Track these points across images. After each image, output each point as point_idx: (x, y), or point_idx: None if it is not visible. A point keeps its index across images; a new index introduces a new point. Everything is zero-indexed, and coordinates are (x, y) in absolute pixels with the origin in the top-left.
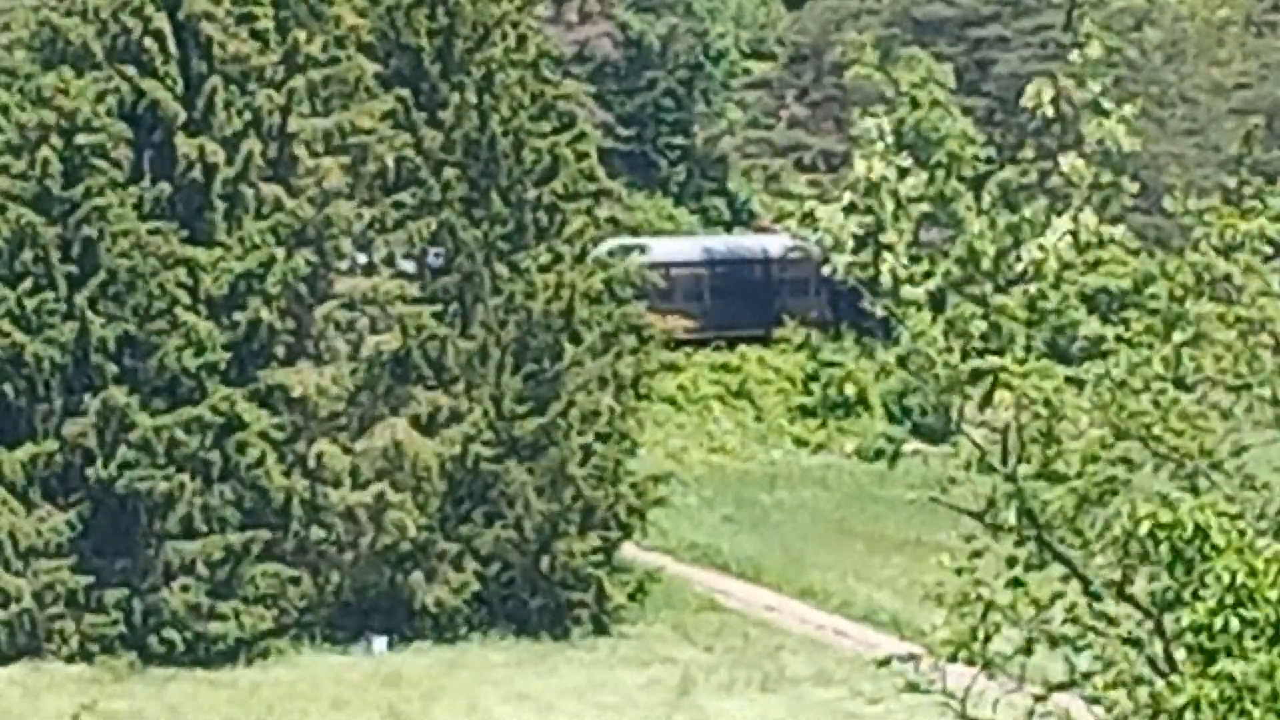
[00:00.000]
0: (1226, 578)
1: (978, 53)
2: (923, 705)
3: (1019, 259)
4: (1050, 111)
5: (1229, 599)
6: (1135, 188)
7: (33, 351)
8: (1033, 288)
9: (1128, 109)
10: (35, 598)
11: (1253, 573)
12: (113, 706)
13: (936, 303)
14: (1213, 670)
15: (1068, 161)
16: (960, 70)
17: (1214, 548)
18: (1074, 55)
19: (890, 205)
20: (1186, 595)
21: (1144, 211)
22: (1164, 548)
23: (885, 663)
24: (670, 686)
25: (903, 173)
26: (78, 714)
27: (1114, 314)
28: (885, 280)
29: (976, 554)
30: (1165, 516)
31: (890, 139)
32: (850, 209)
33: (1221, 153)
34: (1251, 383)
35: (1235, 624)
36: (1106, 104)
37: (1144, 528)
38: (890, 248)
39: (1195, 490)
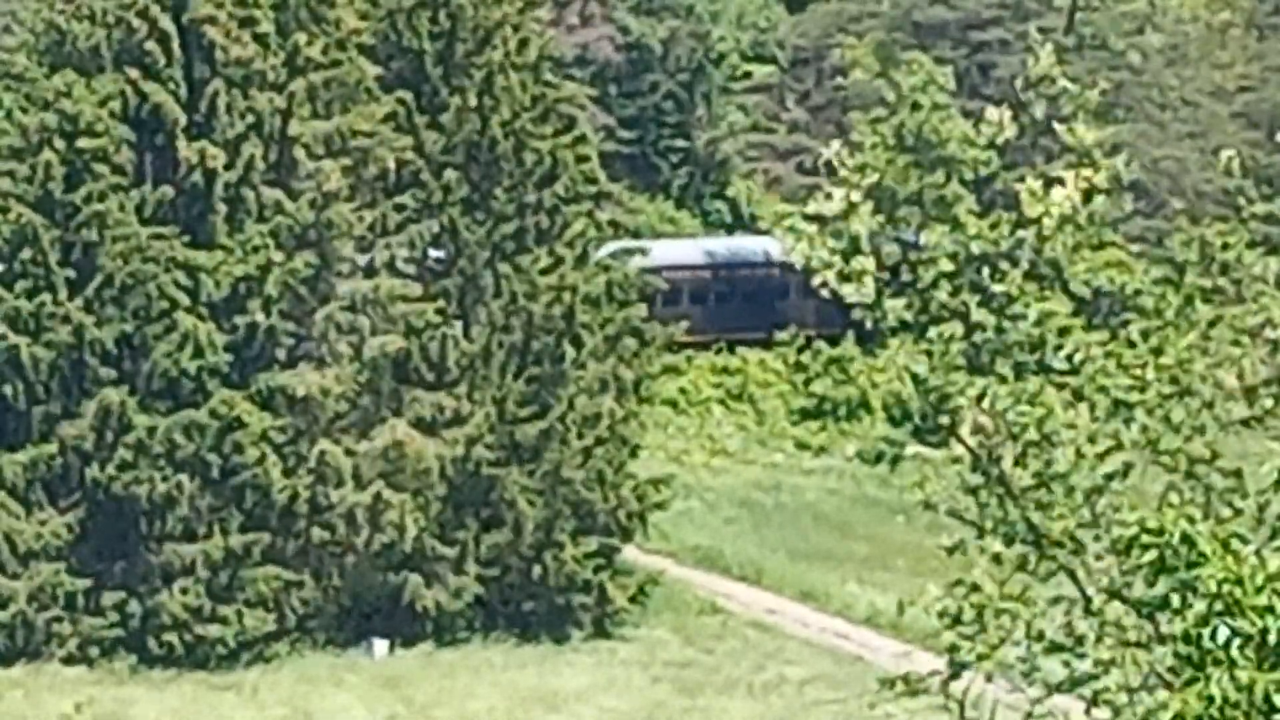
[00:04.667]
0: (1213, 587)
1: (979, 56)
2: (922, 707)
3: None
4: (1012, 134)
5: (1216, 608)
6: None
7: (31, 354)
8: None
9: (1092, 94)
10: (34, 600)
11: (1239, 582)
12: (111, 709)
13: (920, 323)
14: (1197, 684)
15: (1024, 186)
16: (961, 74)
17: (1201, 555)
18: (1030, 67)
19: (863, 229)
20: (1174, 603)
21: (1145, 215)
22: (1150, 555)
23: (890, 684)
24: (671, 689)
25: (866, 194)
26: (70, 715)
27: (1111, 317)
28: (860, 302)
29: (969, 563)
30: (1151, 523)
31: (849, 160)
32: (811, 239)
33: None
34: (1256, 387)
35: (1223, 634)
36: (1083, 101)
37: (1131, 531)
38: (862, 273)
39: (1210, 498)
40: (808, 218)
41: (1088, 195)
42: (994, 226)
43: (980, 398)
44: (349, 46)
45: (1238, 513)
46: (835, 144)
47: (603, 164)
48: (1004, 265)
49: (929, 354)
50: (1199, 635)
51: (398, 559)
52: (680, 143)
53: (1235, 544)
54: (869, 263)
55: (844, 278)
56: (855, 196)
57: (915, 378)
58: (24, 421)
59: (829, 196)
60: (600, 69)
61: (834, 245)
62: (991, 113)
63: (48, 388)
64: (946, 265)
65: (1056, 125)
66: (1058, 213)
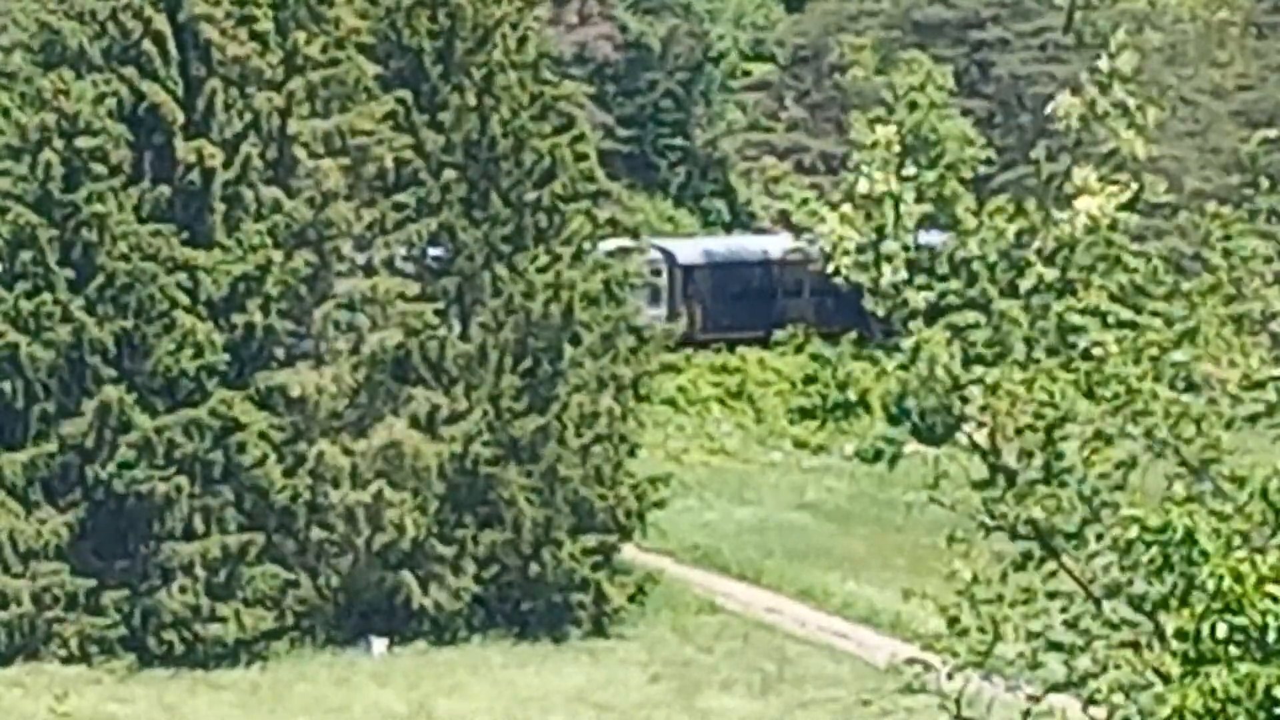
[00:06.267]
0: (1213, 584)
1: (978, 55)
2: (919, 707)
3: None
4: (1076, 124)
5: (1216, 605)
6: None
7: (31, 353)
8: (1047, 273)
9: (1152, 115)
10: (34, 599)
11: (1239, 579)
12: (111, 709)
13: (938, 309)
14: (1198, 679)
15: (1082, 174)
16: (960, 73)
17: (1203, 553)
18: (1102, 63)
19: (891, 214)
20: (1175, 600)
21: (1143, 214)
22: (1152, 552)
23: (896, 670)
24: (670, 688)
25: (905, 180)
26: (54, 707)
27: (1118, 312)
28: (886, 287)
29: (970, 557)
30: (1154, 521)
31: (896, 147)
32: (845, 219)
33: (1222, 155)
34: (1261, 381)
35: (1222, 631)
36: (1137, 117)
37: (1133, 531)
38: (890, 258)
39: (1221, 494)
40: (832, 204)
41: (1132, 202)
42: (1020, 216)
43: (994, 388)
44: (348, 45)
45: (1240, 508)
46: (881, 128)
47: (601, 162)
48: (1033, 257)
49: (948, 342)
50: (1198, 632)
51: (396, 558)
52: (679, 141)
53: (1236, 541)
54: (897, 247)
55: (861, 267)
56: (895, 177)
57: (939, 364)
58: (23, 421)
59: (865, 178)
60: (599, 67)
61: (861, 229)
62: (1063, 98)
63: (47, 387)
64: (974, 252)
65: (1110, 131)
66: (1082, 223)
